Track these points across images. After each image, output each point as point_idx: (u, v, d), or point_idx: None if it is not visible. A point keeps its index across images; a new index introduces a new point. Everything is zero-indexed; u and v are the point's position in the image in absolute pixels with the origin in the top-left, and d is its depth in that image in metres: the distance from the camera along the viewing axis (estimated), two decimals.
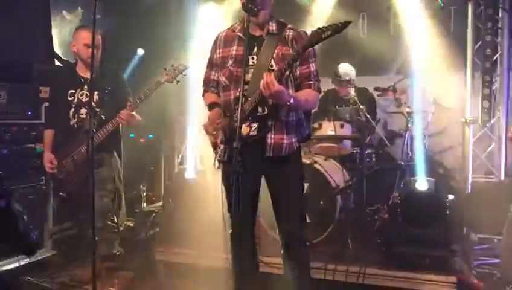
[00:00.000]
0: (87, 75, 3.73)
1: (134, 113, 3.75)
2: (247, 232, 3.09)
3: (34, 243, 2.28)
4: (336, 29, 2.51)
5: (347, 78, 5.11)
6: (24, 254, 2.50)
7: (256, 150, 2.86)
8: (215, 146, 3.04)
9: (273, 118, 2.88)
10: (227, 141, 2.89)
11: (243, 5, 2.78)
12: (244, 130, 2.82)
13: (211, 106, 3.04)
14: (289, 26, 2.97)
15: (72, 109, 3.79)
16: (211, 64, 3.09)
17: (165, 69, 3.74)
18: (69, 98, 3.80)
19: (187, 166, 5.40)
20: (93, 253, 2.82)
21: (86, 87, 3.78)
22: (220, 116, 2.94)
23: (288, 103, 2.78)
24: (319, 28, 2.55)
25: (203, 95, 3.16)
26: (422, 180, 4.14)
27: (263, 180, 3.09)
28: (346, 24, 2.50)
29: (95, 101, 3.70)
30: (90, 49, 3.51)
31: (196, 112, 5.75)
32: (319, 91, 3.00)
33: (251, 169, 2.77)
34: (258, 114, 2.87)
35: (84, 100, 3.77)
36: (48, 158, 3.81)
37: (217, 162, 2.98)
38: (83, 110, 3.76)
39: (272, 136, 2.89)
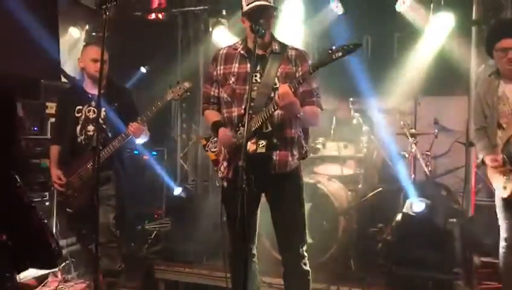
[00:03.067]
0: (94, 91, 3.75)
1: (144, 127, 3.75)
2: (249, 253, 3.08)
3: (57, 254, 2.16)
4: (348, 50, 2.57)
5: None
6: (44, 267, 2.37)
7: (259, 167, 2.85)
8: (216, 163, 3.04)
9: (278, 135, 2.92)
10: (230, 158, 2.92)
11: (250, 27, 2.83)
12: (250, 147, 2.84)
13: (216, 125, 3.03)
14: (290, 46, 3.05)
15: (79, 126, 3.80)
16: (211, 80, 3.11)
17: (170, 86, 3.77)
18: (77, 114, 3.81)
19: (188, 184, 5.40)
20: (96, 269, 2.81)
21: (93, 103, 3.79)
22: (230, 136, 2.93)
23: (298, 115, 2.83)
24: (330, 49, 2.60)
25: (204, 111, 3.18)
26: (422, 202, 4.13)
27: (263, 199, 3.10)
28: (357, 46, 2.57)
29: (102, 117, 3.71)
30: (98, 64, 3.58)
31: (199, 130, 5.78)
32: (321, 108, 3.06)
33: (254, 187, 2.77)
34: (265, 131, 2.89)
35: (91, 116, 3.78)
36: (55, 174, 3.80)
37: (219, 180, 2.99)
38: (90, 127, 3.77)
39: (277, 152, 2.92)
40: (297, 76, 2.85)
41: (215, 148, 3.04)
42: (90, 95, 3.81)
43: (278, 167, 2.93)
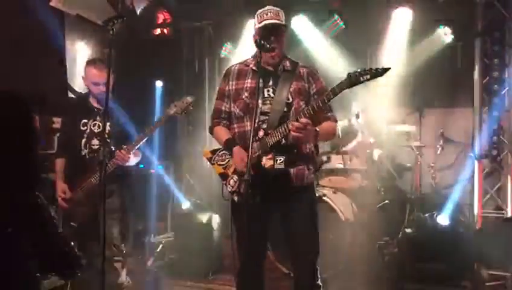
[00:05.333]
0: (100, 105, 3.79)
1: (132, 153, 3.75)
2: (258, 268, 3.07)
3: (80, 263, 2.13)
4: (375, 74, 2.61)
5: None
6: (63, 277, 2.34)
7: (276, 182, 2.87)
8: (224, 177, 3.04)
9: (296, 151, 2.94)
10: (242, 172, 2.87)
11: (255, 42, 2.87)
12: (267, 162, 2.85)
13: (230, 142, 3.03)
14: (300, 64, 3.10)
15: (84, 139, 3.83)
16: (223, 96, 3.12)
17: (173, 101, 3.80)
18: (82, 128, 3.84)
19: (195, 197, 5.41)
20: (102, 283, 2.81)
21: (98, 117, 3.82)
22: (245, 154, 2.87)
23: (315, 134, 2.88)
24: (357, 71, 2.64)
25: (214, 127, 3.17)
26: (443, 216, 4.11)
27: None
28: (385, 71, 2.61)
29: (107, 131, 3.74)
30: (99, 87, 3.65)
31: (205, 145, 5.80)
32: (336, 121, 3.10)
33: (266, 202, 2.83)
34: (283, 147, 2.89)
35: (96, 130, 3.81)
36: (61, 188, 3.82)
37: (227, 193, 2.99)
38: (95, 141, 3.79)
39: (294, 168, 2.94)
40: (311, 93, 2.97)
41: (222, 161, 3.05)
42: (96, 109, 3.85)
43: (295, 181, 2.94)
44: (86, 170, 3.75)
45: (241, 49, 6.14)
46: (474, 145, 5.35)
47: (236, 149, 2.95)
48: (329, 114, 3.03)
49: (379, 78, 2.66)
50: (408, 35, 5.63)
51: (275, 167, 2.87)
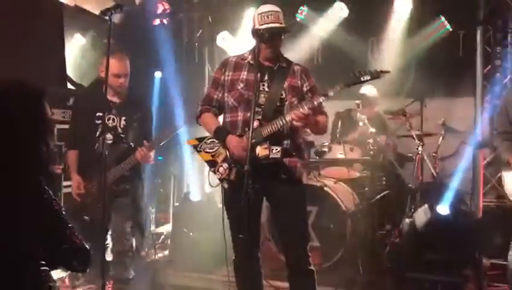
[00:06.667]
0: (115, 99, 3.76)
1: (151, 153, 3.74)
2: (253, 257, 3.17)
3: (88, 256, 2.07)
4: (376, 75, 2.87)
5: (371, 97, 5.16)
6: (76, 270, 2.28)
7: (270, 172, 2.99)
8: (213, 164, 3.11)
9: (291, 142, 3.07)
10: (234, 160, 3.01)
11: (254, 31, 3.00)
12: (261, 151, 2.93)
13: (222, 130, 3.11)
14: (294, 62, 3.24)
15: (98, 133, 3.79)
16: (217, 85, 3.19)
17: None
18: (96, 122, 3.79)
19: (195, 188, 5.39)
20: (103, 274, 2.82)
21: (113, 111, 3.77)
22: (243, 145, 2.97)
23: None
24: (359, 72, 2.88)
25: (203, 112, 3.22)
26: (443, 206, 4.11)
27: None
28: (385, 73, 2.89)
29: (121, 126, 3.73)
30: (120, 79, 3.65)
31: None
32: (327, 115, 3.27)
33: (259, 191, 2.95)
34: (279, 138, 3.00)
35: (110, 125, 3.76)
36: (76, 181, 3.79)
37: (215, 181, 3.10)
38: (109, 136, 3.71)
39: (288, 159, 3.06)
40: (304, 90, 3.13)
41: (211, 149, 3.13)
42: (111, 103, 3.79)
43: (289, 172, 3.06)
44: (100, 164, 3.70)
45: (240, 38, 6.14)
46: (476, 134, 5.33)
47: (231, 138, 3.03)
48: (322, 109, 3.17)
49: (380, 68, 2.90)
50: (409, 23, 5.61)
51: (270, 157, 2.96)
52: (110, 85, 3.74)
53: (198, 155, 3.20)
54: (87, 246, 2.05)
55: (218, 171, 3.07)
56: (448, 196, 4.51)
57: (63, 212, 2.01)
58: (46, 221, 1.94)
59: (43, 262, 1.94)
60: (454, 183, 5.41)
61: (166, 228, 5.99)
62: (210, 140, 3.16)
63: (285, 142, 3.04)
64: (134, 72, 3.86)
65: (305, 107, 2.88)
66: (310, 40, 6.06)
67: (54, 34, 5.06)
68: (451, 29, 5.50)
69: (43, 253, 1.95)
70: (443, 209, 4.23)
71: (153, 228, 5.97)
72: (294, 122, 2.91)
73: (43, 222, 1.93)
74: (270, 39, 2.98)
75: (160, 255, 5.31)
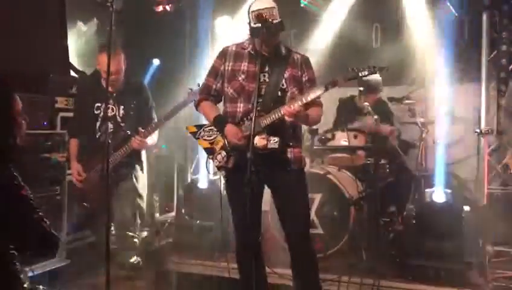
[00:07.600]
0: (111, 89, 3.79)
1: (148, 138, 3.77)
2: (255, 244, 3.17)
3: (56, 242, 2.19)
4: (373, 71, 2.93)
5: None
6: (44, 255, 2.44)
7: (269, 161, 3.01)
8: (211, 152, 3.15)
9: (290, 132, 3.11)
10: (232, 148, 3.04)
11: (250, 29, 3.03)
12: (260, 141, 2.95)
13: (221, 119, 3.14)
14: (294, 50, 3.26)
15: (99, 122, 3.84)
16: (215, 74, 3.20)
17: (191, 89, 3.79)
18: (95, 111, 3.85)
19: (199, 176, 5.39)
20: (107, 261, 2.83)
21: (111, 101, 3.81)
22: (241, 134, 3.03)
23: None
24: (357, 68, 2.94)
25: (201, 101, 3.25)
26: (439, 192, 4.10)
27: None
28: (382, 69, 3.00)
29: (120, 115, 3.76)
30: (111, 76, 3.60)
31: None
32: (322, 106, 3.28)
33: (260, 179, 2.99)
34: (277, 128, 3.02)
35: (109, 114, 3.80)
36: (76, 169, 3.84)
37: (213, 168, 3.17)
38: (108, 124, 3.76)
39: (292, 150, 3.11)
40: (303, 80, 3.15)
41: (209, 136, 3.16)
42: (108, 93, 3.81)
43: (294, 163, 3.12)
44: (101, 152, 3.73)
45: (239, 22, 6.07)
46: (481, 120, 5.29)
47: (229, 126, 3.05)
48: (318, 101, 3.18)
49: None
50: (414, 9, 5.54)
51: (268, 147, 2.98)
52: (104, 79, 3.80)
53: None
54: (53, 232, 2.13)
55: (216, 158, 3.12)
56: (453, 183, 4.50)
57: (32, 199, 2.09)
58: (14, 206, 2.02)
59: (13, 251, 2.05)
60: (459, 170, 5.40)
61: (170, 216, 6.01)
62: (208, 128, 3.19)
63: (284, 132, 3.05)
64: (133, 60, 3.88)
65: (299, 103, 2.90)
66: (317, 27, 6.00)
67: (57, 22, 5.03)
68: (456, 14, 5.43)
69: (12, 239, 2.04)
70: (447, 196, 4.21)
71: (157, 215, 5.99)
72: (286, 117, 2.94)
73: (10, 208, 2.01)
74: (266, 37, 2.97)
75: (164, 242, 5.32)
